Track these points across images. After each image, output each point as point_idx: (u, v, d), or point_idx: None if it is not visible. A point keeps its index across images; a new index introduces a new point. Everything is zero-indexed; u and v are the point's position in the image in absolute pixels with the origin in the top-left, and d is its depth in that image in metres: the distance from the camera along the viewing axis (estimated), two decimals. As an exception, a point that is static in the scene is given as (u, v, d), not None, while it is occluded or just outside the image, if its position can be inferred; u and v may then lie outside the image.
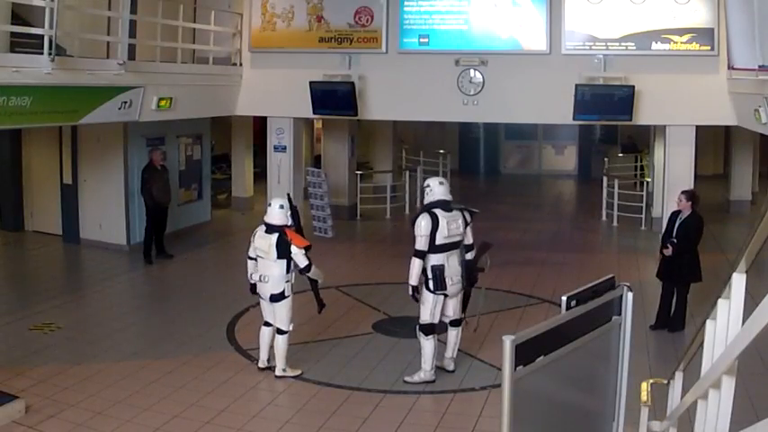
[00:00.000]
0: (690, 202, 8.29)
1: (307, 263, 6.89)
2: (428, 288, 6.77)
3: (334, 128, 15.68)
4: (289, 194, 7.36)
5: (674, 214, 8.55)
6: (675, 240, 8.28)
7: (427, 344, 6.87)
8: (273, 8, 12.34)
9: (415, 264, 6.69)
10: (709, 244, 12.63)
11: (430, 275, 6.70)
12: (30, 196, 13.18)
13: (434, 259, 6.70)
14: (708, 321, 3.34)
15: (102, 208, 12.16)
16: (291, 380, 7.10)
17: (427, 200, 6.76)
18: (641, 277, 10.69)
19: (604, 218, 15.31)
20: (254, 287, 7.14)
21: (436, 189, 6.81)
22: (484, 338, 8.21)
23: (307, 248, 6.85)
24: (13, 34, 8.86)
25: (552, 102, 11.36)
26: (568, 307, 3.02)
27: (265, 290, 6.96)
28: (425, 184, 6.87)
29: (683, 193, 8.45)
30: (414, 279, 6.76)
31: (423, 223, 6.62)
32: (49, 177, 12.70)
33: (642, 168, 18.97)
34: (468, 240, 7.04)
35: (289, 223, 6.95)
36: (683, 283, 8.36)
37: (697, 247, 8.35)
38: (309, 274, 7.00)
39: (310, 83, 11.81)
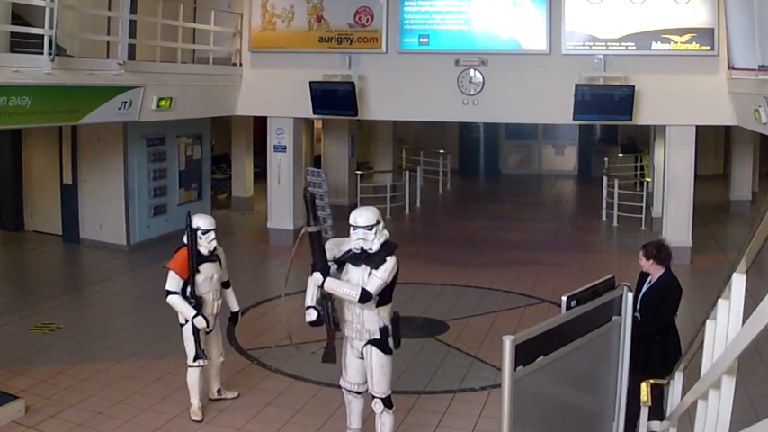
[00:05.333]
0: (651, 261, 5.69)
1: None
2: (389, 348, 5.35)
3: (334, 128, 15.68)
4: (189, 212, 6.19)
5: (643, 276, 5.86)
6: (638, 315, 5.38)
7: (392, 419, 5.49)
8: (273, 8, 12.33)
9: (351, 297, 5.18)
10: (710, 244, 12.65)
11: (392, 331, 5.33)
12: (30, 196, 13.18)
13: (390, 311, 5.36)
14: (708, 321, 3.34)
15: (102, 208, 12.16)
16: (291, 380, 7.11)
17: (383, 238, 5.23)
18: (641, 277, 10.68)
19: (604, 218, 15.31)
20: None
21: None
22: (484, 338, 8.22)
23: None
24: (13, 34, 8.86)
25: (552, 102, 11.35)
26: (568, 307, 3.02)
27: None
28: (374, 221, 5.21)
29: (643, 247, 5.85)
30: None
31: (392, 267, 5.16)
32: (49, 177, 12.71)
33: (642, 168, 18.97)
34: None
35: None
36: (650, 374, 4.92)
37: (672, 323, 5.56)
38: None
39: (310, 83, 11.80)
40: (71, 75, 8.81)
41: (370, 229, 5.17)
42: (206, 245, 6.02)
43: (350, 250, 5.26)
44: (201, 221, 6.04)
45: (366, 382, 5.43)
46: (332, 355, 5.51)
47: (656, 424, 4.54)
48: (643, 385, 4.70)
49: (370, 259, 5.17)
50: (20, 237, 12.91)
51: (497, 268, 11.49)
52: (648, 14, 10.96)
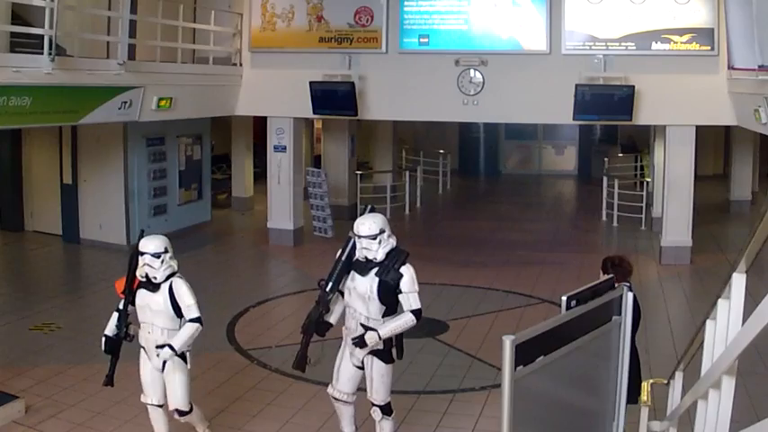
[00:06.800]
0: (606, 275, 4.84)
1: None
2: (391, 358, 5.28)
3: (334, 128, 15.68)
4: (142, 231, 5.40)
5: None
6: None
7: (391, 425, 5.50)
8: (273, 8, 12.34)
9: (410, 325, 5.09)
10: (710, 244, 12.65)
11: (394, 342, 5.24)
12: (30, 196, 13.18)
13: None
14: (708, 321, 3.34)
15: (102, 208, 12.16)
16: (291, 380, 7.10)
17: (389, 246, 5.09)
18: (641, 277, 10.69)
19: (604, 218, 15.32)
20: None
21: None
22: (484, 338, 8.22)
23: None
24: (13, 34, 8.86)
25: (552, 102, 11.35)
26: (568, 307, 3.02)
27: None
28: (378, 230, 5.05)
29: (603, 261, 5.44)
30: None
31: (414, 275, 5.09)
32: (49, 177, 12.71)
33: (642, 168, 18.98)
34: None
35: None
36: None
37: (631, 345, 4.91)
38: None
39: (310, 83, 11.80)
40: (71, 75, 8.81)
41: (374, 239, 5.02)
42: (139, 268, 5.11)
43: (357, 258, 5.13)
44: (142, 242, 5.09)
45: (355, 392, 5.36)
46: (303, 363, 5.34)
47: (656, 424, 4.54)
48: (643, 385, 4.71)
49: (383, 271, 5.03)
50: (20, 237, 12.91)
51: (497, 268, 11.50)
52: (648, 14, 10.96)
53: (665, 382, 4.77)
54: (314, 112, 12.23)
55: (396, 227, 16.44)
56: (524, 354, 2.58)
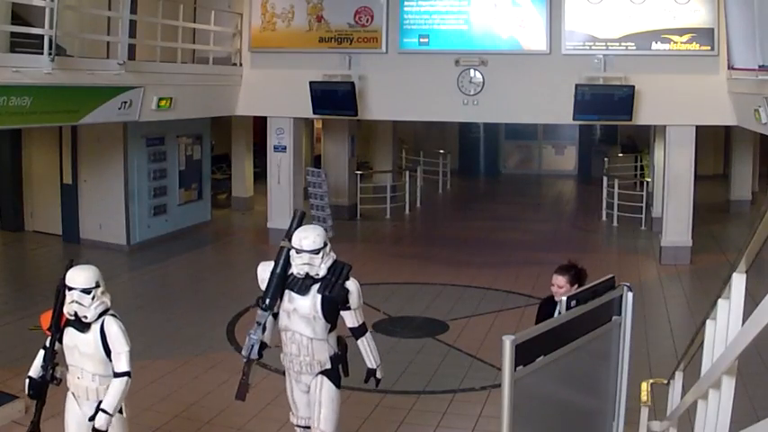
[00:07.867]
0: (576, 286, 4.74)
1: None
2: (339, 382, 4.83)
3: (334, 128, 15.68)
4: (71, 261, 4.52)
5: (548, 305, 5.00)
6: None
7: None
8: (273, 8, 12.34)
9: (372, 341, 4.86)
10: (710, 244, 12.65)
11: (341, 359, 4.82)
12: (30, 196, 13.18)
13: (335, 336, 4.84)
14: (708, 321, 3.34)
15: (102, 208, 12.16)
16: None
17: (330, 261, 4.67)
18: (641, 277, 10.69)
19: (604, 218, 15.32)
20: None
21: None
22: (484, 338, 8.22)
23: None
24: (13, 34, 8.86)
25: (552, 102, 11.35)
26: (568, 307, 3.02)
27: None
28: (321, 244, 4.61)
29: (560, 271, 4.91)
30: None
31: (359, 291, 4.76)
32: (49, 177, 12.71)
33: (642, 168, 18.98)
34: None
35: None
36: None
37: None
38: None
39: (310, 83, 11.80)
40: (71, 75, 8.81)
41: (317, 253, 4.57)
42: (66, 304, 4.35)
43: (292, 275, 4.65)
44: (69, 275, 4.33)
45: None
46: (245, 391, 4.84)
47: (656, 424, 4.54)
48: (643, 385, 4.71)
49: (325, 286, 4.61)
50: (20, 237, 12.90)
51: (497, 268, 11.49)
52: (648, 14, 10.96)
53: (665, 382, 4.77)
54: (314, 112, 12.23)
55: (396, 227, 16.51)
56: (524, 354, 2.58)
